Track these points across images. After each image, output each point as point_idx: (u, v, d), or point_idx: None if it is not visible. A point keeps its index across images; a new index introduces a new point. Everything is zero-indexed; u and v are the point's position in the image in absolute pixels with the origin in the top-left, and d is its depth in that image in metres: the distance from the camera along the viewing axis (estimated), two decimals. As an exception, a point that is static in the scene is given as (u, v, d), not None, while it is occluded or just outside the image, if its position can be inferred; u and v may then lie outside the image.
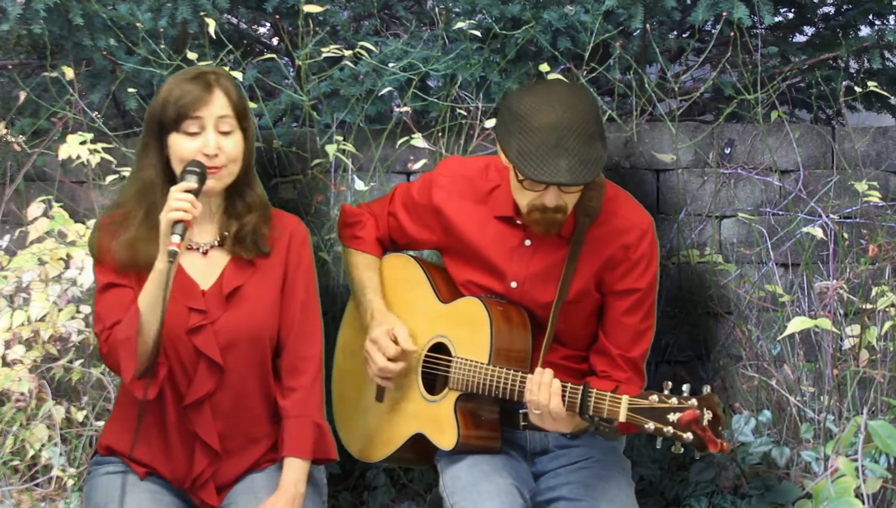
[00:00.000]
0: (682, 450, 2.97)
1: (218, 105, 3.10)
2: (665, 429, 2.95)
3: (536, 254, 3.30)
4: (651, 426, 2.97)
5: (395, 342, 3.35)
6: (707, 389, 2.97)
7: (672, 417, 2.95)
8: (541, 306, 3.30)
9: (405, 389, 3.40)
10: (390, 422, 3.42)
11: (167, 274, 2.98)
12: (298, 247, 3.23)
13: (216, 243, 3.19)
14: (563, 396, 3.09)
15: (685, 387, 2.97)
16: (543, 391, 3.12)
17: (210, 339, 3.13)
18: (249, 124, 3.16)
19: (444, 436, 3.29)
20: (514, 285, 3.32)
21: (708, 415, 2.94)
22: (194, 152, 3.08)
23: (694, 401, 2.94)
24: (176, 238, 2.98)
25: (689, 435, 2.94)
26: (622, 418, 3.01)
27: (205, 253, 3.18)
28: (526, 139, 3.08)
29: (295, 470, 3.17)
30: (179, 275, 3.11)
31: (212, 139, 3.08)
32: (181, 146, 3.09)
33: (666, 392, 2.97)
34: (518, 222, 3.29)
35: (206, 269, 3.17)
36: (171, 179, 3.11)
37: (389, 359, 3.35)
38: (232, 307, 3.15)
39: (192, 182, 3.04)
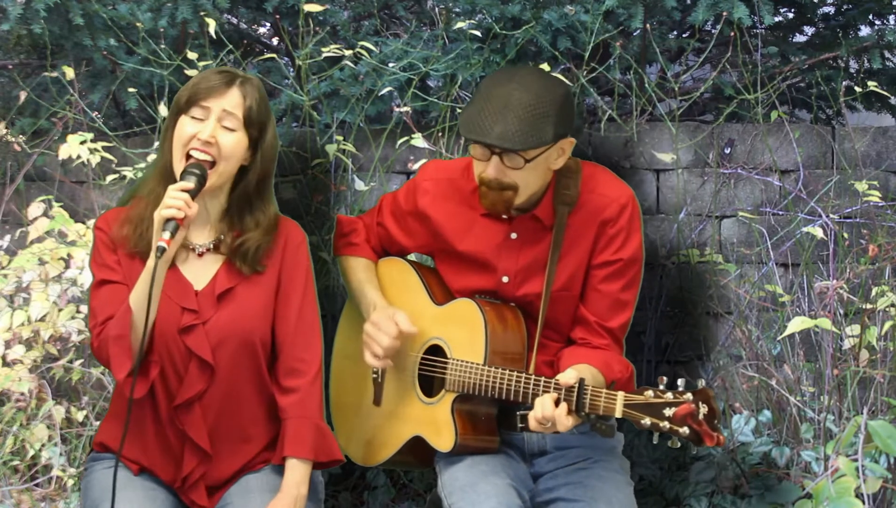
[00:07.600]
0: (679, 444, 2.98)
1: (228, 101, 3.11)
2: (661, 424, 2.97)
3: (524, 247, 3.32)
4: (647, 421, 2.98)
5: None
6: (701, 383, 3.00)
7: (668, 412, 2.96)
8: (535, 296, 3.31)
9: (402, 392, 3.40)
10: (388, 425, 3.42)
11: (154, 270, 2.99)
12: (294, 251, 3.22)
13: (211, 247, 3.19)
14: (559, 398, 3.09)
15: (680, 381, 2.99)
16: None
17: (202, 339, 3.13)
18: (263, 137, 3.15)
19: (442, 438, 3.29)
20: (505, 279, 3.33)
21: (703, 409, 2.96)
22: (191, 136, 3.08)
23: (689, 395, 2.97)
24: (166, 235, 3.00)
25: (685, 429, 2.95)
26: (618, 414, 3.02)
27: (200, 254, 3.18)
28: (473, 105, 3.19)
29: (297, 472, 3.16)
30: (174, 274, 3.13)
31: (209, 127, 3.09)
32: (182, 127, 3.11)
33: (661, 387, 2.99)
34: (503, 216, 3.32)
35: (201, 269, 3.18)
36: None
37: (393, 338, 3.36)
38: (222, 307, 3.15)
39: (189, 182, 3.05)
